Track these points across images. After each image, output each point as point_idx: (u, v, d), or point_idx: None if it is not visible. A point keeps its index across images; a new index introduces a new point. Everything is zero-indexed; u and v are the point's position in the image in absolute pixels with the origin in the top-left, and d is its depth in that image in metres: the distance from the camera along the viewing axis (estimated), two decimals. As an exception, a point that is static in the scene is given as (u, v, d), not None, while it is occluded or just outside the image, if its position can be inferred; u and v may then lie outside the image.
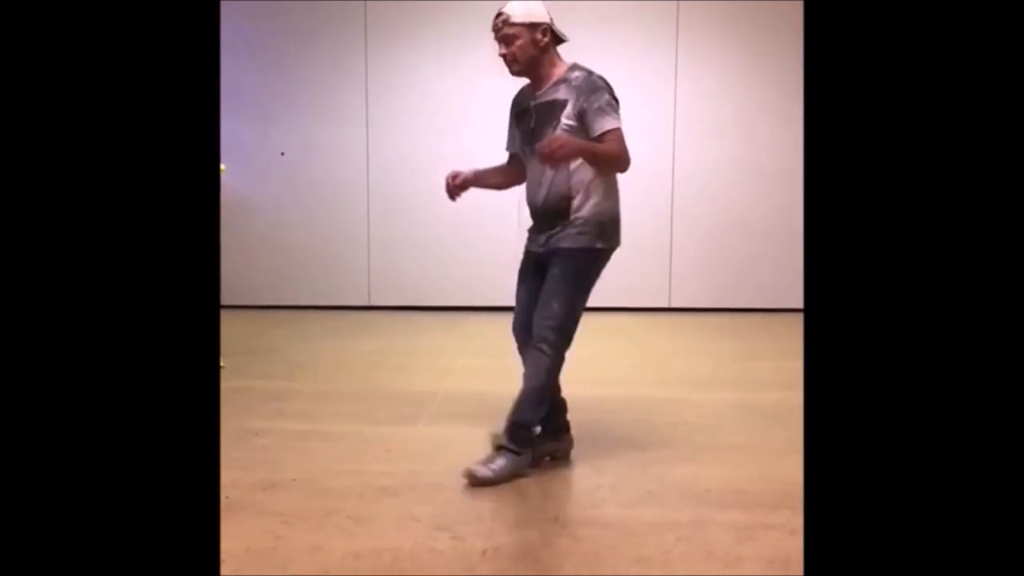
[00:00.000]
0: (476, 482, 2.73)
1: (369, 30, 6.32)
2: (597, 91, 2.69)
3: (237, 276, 6.44)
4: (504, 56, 2.73)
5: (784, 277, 6.42)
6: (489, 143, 6.15)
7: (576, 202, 2.73)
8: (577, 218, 2.74)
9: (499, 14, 2.71)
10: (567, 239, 2.75)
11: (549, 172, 2.73)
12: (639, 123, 6.15)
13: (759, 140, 6.35)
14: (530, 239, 2.89)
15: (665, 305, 6.41)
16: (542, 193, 2.77)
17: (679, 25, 6.20)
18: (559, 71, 2.76)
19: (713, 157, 6.32)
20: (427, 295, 6.52)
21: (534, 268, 2.85)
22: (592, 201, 2.74)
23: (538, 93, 2.78)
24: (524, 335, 2.87)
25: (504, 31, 2.71)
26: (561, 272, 2.74)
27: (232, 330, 5.49)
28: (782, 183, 6.36)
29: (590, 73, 2.73)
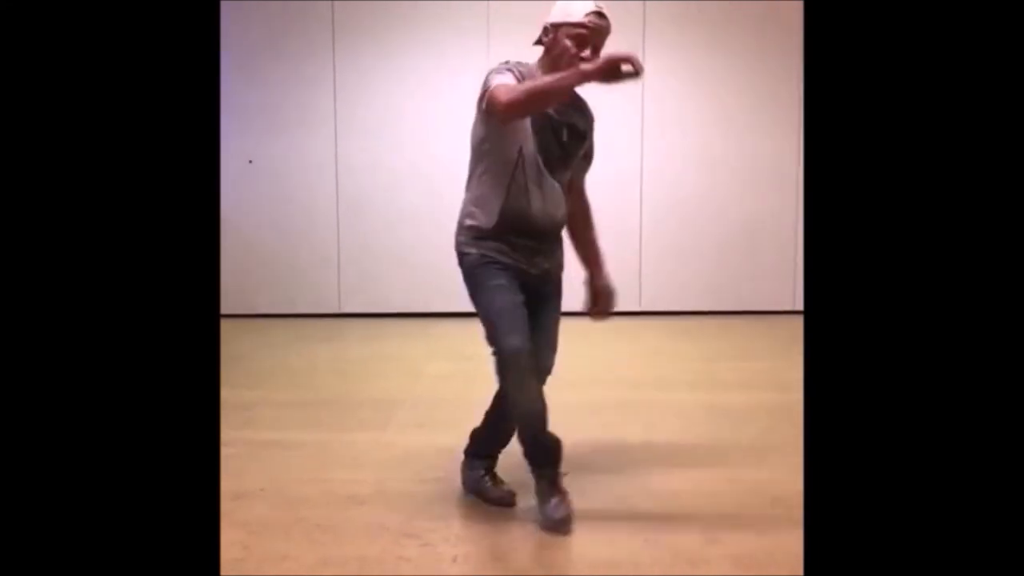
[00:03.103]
0: (569, 527, 2.50)
1: (337, 36, 6.29)
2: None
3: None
4: (586, 60, 2.38)
5: (754, 280, 6.48)
6: (458, 150, 6.18)
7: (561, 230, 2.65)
8: (558, 246, 2.64)
9: (603, 15, 2.43)
10: (558, 267, 2.66)
11: (563, 200, 2.57)
12: (606, 124, 6.19)
13: (729, 140, 6.39)
14: (521, 259, 2.52)
15: (635, 309, 6.44)
16: (560, 214, 2.57)
17: (646, 24, 6.24)
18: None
19: (682, 158, 6.35)
20: (397, 301, 6.50)
21: (519, 284, 2.51)
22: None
23: (562, 109, 2.51)
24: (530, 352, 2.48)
25: (603, 38, 2.44)
26: (558, 302, 2.66)
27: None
28: (753, 184, 6.42)
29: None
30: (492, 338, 2.43)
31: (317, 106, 6.35)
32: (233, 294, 6.47)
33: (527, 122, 2.45)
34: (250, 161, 6.39)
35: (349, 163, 6.38)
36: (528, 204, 2.48)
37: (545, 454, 2.57)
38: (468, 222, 2.54)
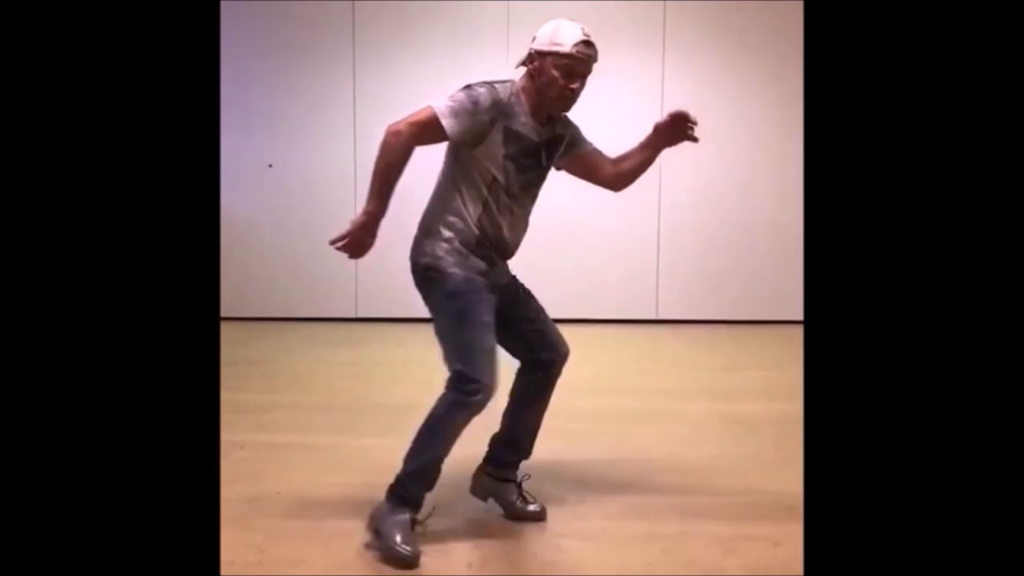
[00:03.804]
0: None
1: (357, 42, 6.32)
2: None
3: (223, 288, 6.40)
4: (575, 94, 2.42)
5: (772, 289, 6.43)
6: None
7: None
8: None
9: (591, 44, 2.39)
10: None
11: (528, 218, 2.58)
12: (624, 130, 6.15)
13: (749, 147, 6.35)
14: (491, 271, 2.48)
15: (652, 317, 6.42)
16: (520, 235, 2.56)
17: (666, 27, 6.21)
18: None
19: (701, 165, 6.31)
20: (414, 307, 6.49)
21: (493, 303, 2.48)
22: None
23: (544, 128, 2.49)
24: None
25: (589, 68, 2.42)
26: (533, 297, 2.65)
27: (216, 342, 5.46)
28: (772, 192, 6.37)
29: None
30: (472, 372, 2.34)
31: (337, 110, 6.37)
32: (251, 297, 6.50)
33: (499, 151, 2.41)
34: (270, 165, 6.42)
35: (368, 167, 6.37)
36: (500, 227, 2.47)
37: (412, 492, 2.41)
38: (447, 233, 2.47)
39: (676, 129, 2.61)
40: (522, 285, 2.64)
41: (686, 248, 6.41)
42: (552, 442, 3.27)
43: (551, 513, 2.62)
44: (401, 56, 6.31)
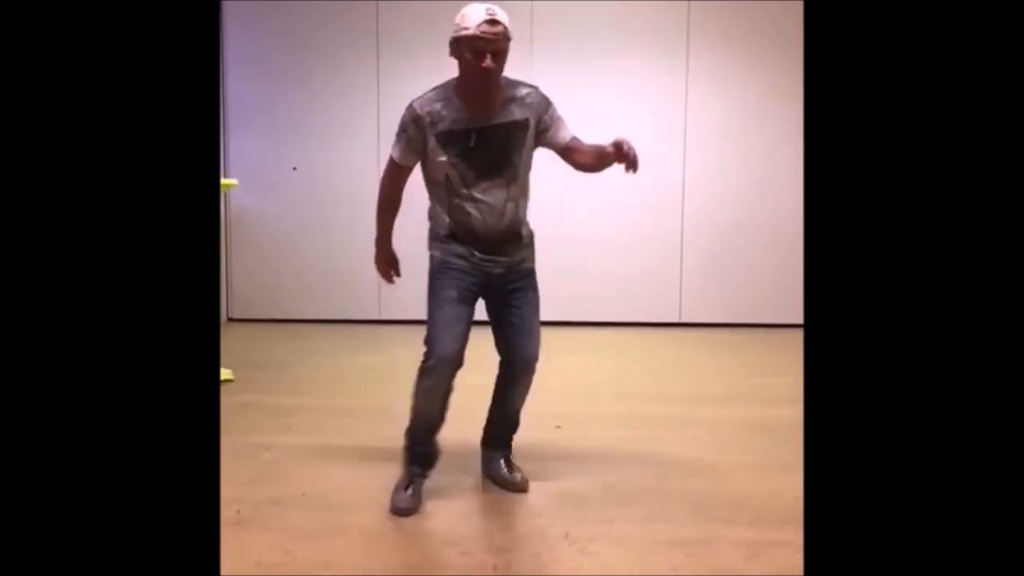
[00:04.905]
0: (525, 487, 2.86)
1: (381, 44, 6.35)
2: (550, 103, 2.69)
3: (248, 290, 6.46)
4: (490, 71, 2.50)
5: (797, 293, 6.38)
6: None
7: (524, 227, 2.77)
8: (525, 238, 2.77)
9: (495, 22, 2.47)
10: (530, 260, 2.79)
11: (511, 202, 2.65)
12: (649, 133, 6.14)
13: (776, 149, 6.29)
14: (481, 260, 2.68)
15: (675, 320, 6.39)
16: (506, 220, 2.66)
17: (690, 29, 6.17)
18: (502, 88, 2.62)
19: (725, 169, 6.28)
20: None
21: (479, 289, 2.72)
22: (528, 224, 2.80)
23: (490, 114, 2.60)
24: (459, 361, 2.70)
25: (500, 45, 2.50)
26: (535, 294, 2.78)
27: (242, 344, 5.51)
28: (797, 195, 6.32)
29: (535, 87, 2.70)
30: (428, 341, 2.69)
31: (360, 112, 6.40)
32: (274, 299, 6.54)
33: (440, 156, 2.62)
34: (294, 168, 6.47)
35: (391, 171, 6.42)
36: (468, 219, 2.67)
37: (422, 459, 2.81)
38: (433, 226, 2.81)
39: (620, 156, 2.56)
40: (524, 283, 2.75)
41: (710, 251, 6.37)
42: (576, 446, 3.29)
43: (575, 518, 2.63)
44: (426, 58, 6.31)
